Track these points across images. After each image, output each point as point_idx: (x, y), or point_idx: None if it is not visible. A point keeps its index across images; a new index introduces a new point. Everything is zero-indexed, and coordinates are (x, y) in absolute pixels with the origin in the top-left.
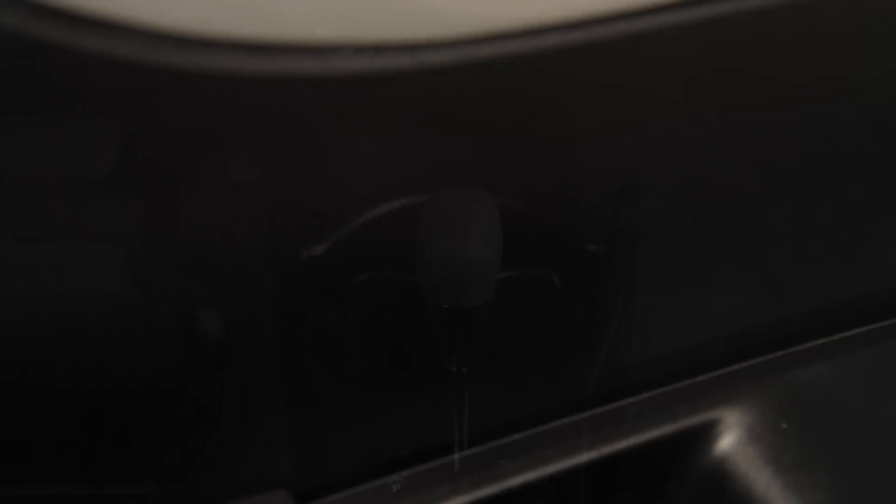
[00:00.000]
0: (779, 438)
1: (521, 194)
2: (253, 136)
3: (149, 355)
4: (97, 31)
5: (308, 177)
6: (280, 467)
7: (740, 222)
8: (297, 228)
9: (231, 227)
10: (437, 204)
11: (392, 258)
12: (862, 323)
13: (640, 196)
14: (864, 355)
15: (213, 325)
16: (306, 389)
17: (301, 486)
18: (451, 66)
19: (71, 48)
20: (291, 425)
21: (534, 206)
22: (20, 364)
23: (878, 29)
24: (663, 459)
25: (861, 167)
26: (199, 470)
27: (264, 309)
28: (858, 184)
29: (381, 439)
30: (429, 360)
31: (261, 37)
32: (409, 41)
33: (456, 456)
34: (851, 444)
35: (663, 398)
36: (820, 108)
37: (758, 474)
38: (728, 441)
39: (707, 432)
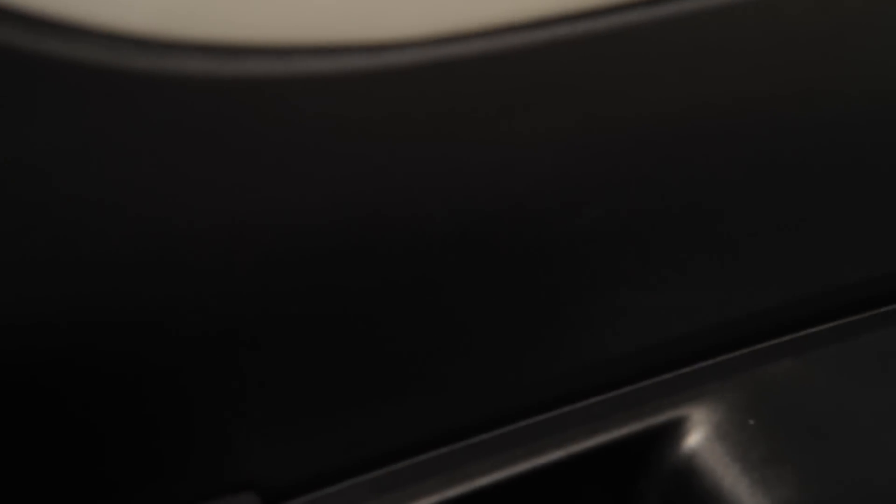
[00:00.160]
0: (746, 435)
1: (486, 194)
2: (215, 137)
3: (106, 354)
4: (55, 34)
5: (269, 178)
6: (247, 469)
7: (705, 219)
8: (258, 228)
9: (191, 227)
10: None
11: (354, 260)
12: (827, 319)
13: (604, 194)
14: (831, 351)
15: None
16: (272, 390)
17: (269, 489)
18: (414, 66)
19: (27, 51)
20: (258, 426)
21: (498, 205)
22: None
23: (841, 26)
24: (631, 457)
25: (827, 165)
26: (163, 473)
27: (232, 308)
28: (825, 181)
29: (349, 440)
30: (396, 360)
31: (223, 39)
32: (373, 41)
33: (424, 457)
34: (818, 440)
35: (630, 396)
36: (786, 106)
37: (726, 471)
38: (696, 438)
39: (674, 430)
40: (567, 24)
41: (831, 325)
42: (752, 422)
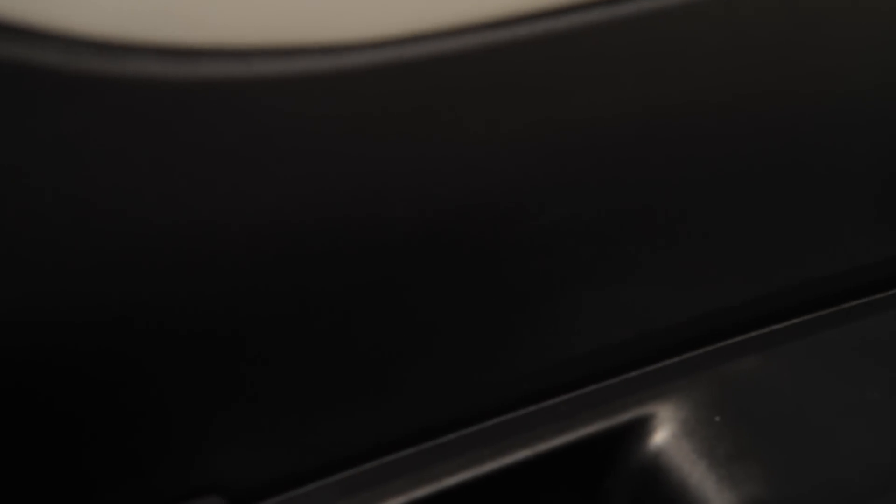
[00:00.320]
0: (712, 432)
1: (450, 194)
2: (175, 138)
3: (71, 353)
4: (13, 38)
5: (228, 180)
6: (213, 471)
7: (668, 218)
8: (218, 230)
9: (150, 229)
10: None
11: (318, 261)
12: (791, 316)
13: (567, 193)
14: (794, 347)
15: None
16: (238, 392)
17: (235, 491)
18: (374, 67)
19: None
20: (224, 429)
21: (461, 205)
22: None
23: (802, 25)
24: (598, 456)
25: (788, 164)
26: (129, 475)
27: (196, 309)
28: (786, 180)
29: (316, 442)
30: (362, 361)
31: (182, 41)
32: (331, 43)
33: (391, 457)
34: (783, 435)
35: (597, 395)
36: (745, 105)
37: (692, 468)
38: (662, 436)
39: (641, 427)
40: (527, 24)
41: (795, 321)
42: (717, 418)
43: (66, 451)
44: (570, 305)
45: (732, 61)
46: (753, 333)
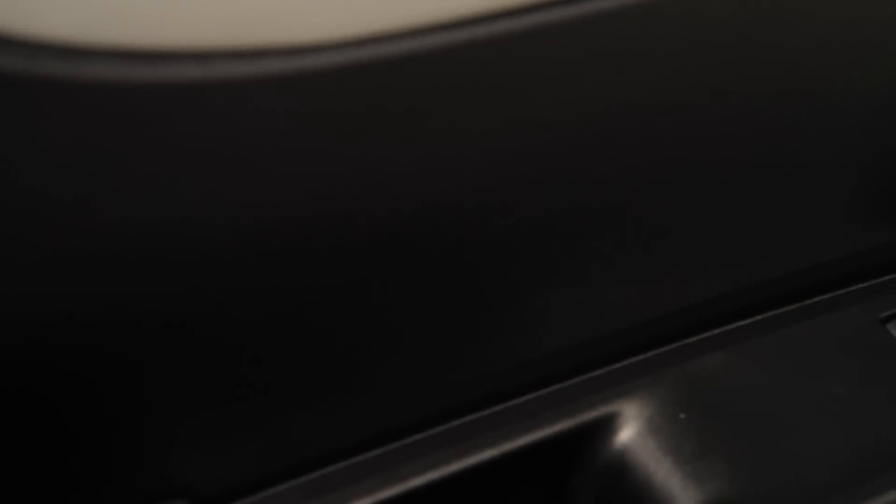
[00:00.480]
0: (677, 429)
1: (413, 195)
2: (134, 142)
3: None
4: None
5: (190, 181)
6: (178, 475)
7: (631, 217)
8: (175, 232)
9: (113, 229)
10: None
11: (281, 261)
12: (754, 313)
13: (529, 194)
14: (759, 343)
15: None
16: (202, 395)
17: (201, 494)
18: (334, 67)
19: None
20: (189, 432)
21: (424, 205)
22: None
23: (758, 26)
24: (564, 454)
25: (748, 163)
26: (93, 480)
27: (158, 311)
28: (749, 176)
29: (282, 444)
30: (327, 362)
31: (141, 44)
32: (291, 44)
33: (357, 458)
34: (749, 432)
35: (562, 393)
36: (704, 104)
37: (658, 465)
38: (627, 433)
39: (606, 425)
40: (489, 24)
41: (759, 318)
42: (682, 415)
43: (30, 452)
44: (535, 304)
45: (695, 60)
46: (718, 330)
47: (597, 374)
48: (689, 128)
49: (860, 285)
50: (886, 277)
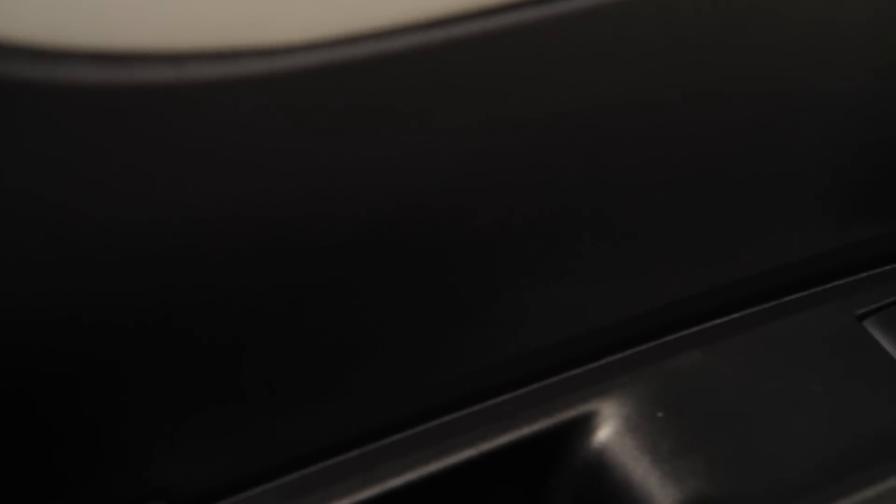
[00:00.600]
0: (655, 427)
1: (387, 195)
2: (108, 144)
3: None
4: None
5: (165, 183)
6: (157, 477)
7: (606, 216)
8: (153, 234)
9: (94, 228)
10: None
11: (255, 262)
12: (730, 311)
13: (504, 193)
14: (736, 342)
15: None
16: (180, 396)
17: (179, 496)
18: (308, 68)
19: None
20: (167, 433)
21: (399, 205)
22: None
23: (734, 27)
24: (542, 454)
25: (723, 162)
26: (70, 481)
27: (136, 311)
28: (721, 177)
29: (260, 446)
30: (303, 363)
31: (115, 46)
32: (266, 45)
33: (335, 459)
34: (727, 430)
35: (539, 393)
36: (681, 104)
37: (636, 464)
38: (605, 432)
39: (584, 424)
40: (460, 24)
41: (735, 316)
42: (660, 414)
43: (7, 452)
44: (511, 304)
45: (669, 59)
46: (695, 328)
47: (574, 373)
48: (664, 127)
49: (836, 282)
50: (862, 274)
